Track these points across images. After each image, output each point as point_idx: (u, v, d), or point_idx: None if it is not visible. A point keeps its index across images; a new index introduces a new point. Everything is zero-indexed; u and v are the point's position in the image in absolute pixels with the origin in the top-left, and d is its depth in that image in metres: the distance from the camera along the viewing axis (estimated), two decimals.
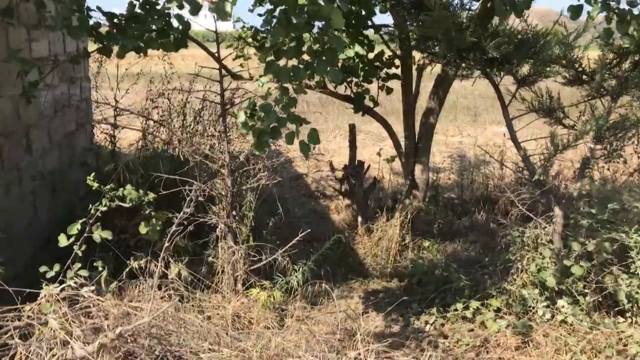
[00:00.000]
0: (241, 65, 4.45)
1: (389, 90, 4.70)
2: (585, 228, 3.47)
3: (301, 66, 2.60)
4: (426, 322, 3.98)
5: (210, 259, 3.37)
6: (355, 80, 4.51)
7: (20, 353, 2.19)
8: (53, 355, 2.09)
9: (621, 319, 3.03)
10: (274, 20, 2.69)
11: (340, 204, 5.88)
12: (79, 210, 4.08)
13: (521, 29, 3.53)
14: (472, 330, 3.79)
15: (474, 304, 3.84)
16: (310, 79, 3.12)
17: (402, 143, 5.01)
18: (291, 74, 2.62)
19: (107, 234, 2.61)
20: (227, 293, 3.23)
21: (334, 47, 2.55)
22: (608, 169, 4.10)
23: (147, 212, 2.99)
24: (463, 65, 3.48)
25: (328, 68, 2.46)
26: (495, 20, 3.66)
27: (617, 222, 3.19)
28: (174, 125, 4.51)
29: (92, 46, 4.00)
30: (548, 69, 3.42)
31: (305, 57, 2.65)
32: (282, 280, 3.17)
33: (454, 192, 6.69)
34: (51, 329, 2.17)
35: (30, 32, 4.26)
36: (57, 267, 2.46)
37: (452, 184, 7.06)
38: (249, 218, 3.35)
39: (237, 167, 3.30)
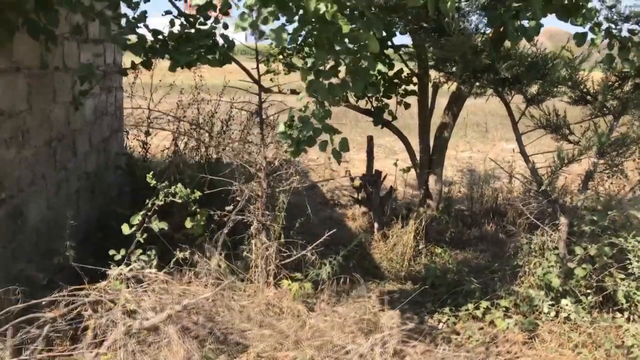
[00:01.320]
0: (271, 79, 4.84)
1: (407, 105, 5.07)
2: (588, 234, 3.79)
3: (338, 83, 2.97)
4: (439, 321, 4.27)
5: (245, 253, 3.70)
6: (376, 95, 4.88)
7: (93, 324, 2.54)
8: (124, 325, 2.44)
9: (619, 316, 3.34)
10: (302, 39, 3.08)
11: (356, 212, 6.22)
12: (115, 208, 4.46)
13: (531, 53, 3.89)
14: (481, 328, 4.07)
15: (484, 304, 4.13)
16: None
17: (417, 155, 5.37)
18: (329, 91, 2.99)
19: (164, 225, 2.97)
20: (261, 284, 3.56)
21: (368, 67, 2.92)
22: (611, 183, 4.42)
23: (193, 208, 3.35)
24: (477, 84, 3.84)
25: (364, 85, 2.82)
26: (507, 43, 4.03)
27: (617, 229, 3.50)
28: (210, 131, 4.87)
29: (127, 59, 4.42)
30: (555, 89, 3.77)
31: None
32: (313, 272, 3.50)
33: (464, 204, 7.01)
34: (120, 303, 2.52)
35: (80, 45, 4.69)
36: (122, 252, 2.83)
37: (462, 196, 7.38)
38: (281, 217, 3.70)
39: (271, 171, 3.66)
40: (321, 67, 3.09)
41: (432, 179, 5.37)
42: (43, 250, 3.72)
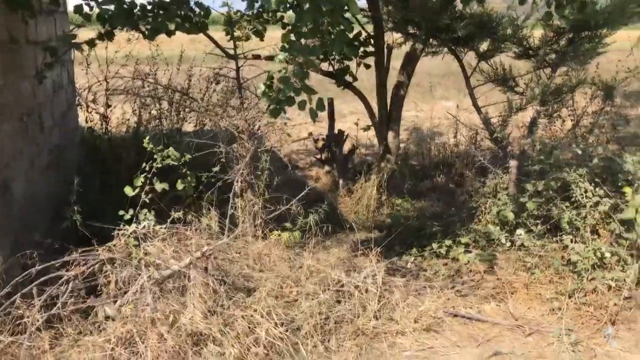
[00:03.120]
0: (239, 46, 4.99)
1: (367, 66, 5.38)
2: (536, 173, 4.31)
3: (318, 44, 3.23)
4: (406, 261, 4.72)
5: (232, 211, 3.95)
6: (336, 57, 5.16)
7: (114, 278, 2.74)
8: (147, 274, 2.66)
9: (565, 238, 3.87)
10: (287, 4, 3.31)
11: (319, 173, 6.55)
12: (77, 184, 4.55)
13: (480, 12, 4.30)
14: (446, 264, 4.53)
15: (447, 242, 4.59)
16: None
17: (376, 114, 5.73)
18: (310, 51, 3.25)
19: (165, 185, 3.17)
20: (249, 238, 3.84)
21: (344, 29, 3.20)
22: (550, 129, 4.98)
23: (183, 171, 3.56)
24: (435, 43, 4.21)
25: (343, 46, 3.11)
26: (459, 5, 4.41)
27: (561, 166, 4.03)
28: (190, 96, 4.95)
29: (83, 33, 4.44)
30: (503, 45, 4.20)
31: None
32: (301, 221, 3.81)
33: (415, 159, 7.51)
34: (138, 257, 2.73)
35: (37, 18, 4.65)
36: (131, 211, 3.02)
37: (412, 153, 7.87)
38: (264, 175, 3.97)
39: (252, 133, 3.90)
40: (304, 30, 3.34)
41: (390, 135, 5.76)
42: (25, 225, 3.81)
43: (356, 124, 5.96)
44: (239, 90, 3.75)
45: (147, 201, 3.08)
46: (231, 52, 4.17)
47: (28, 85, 4.35)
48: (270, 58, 4.18)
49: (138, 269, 2.74)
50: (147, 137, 3.33)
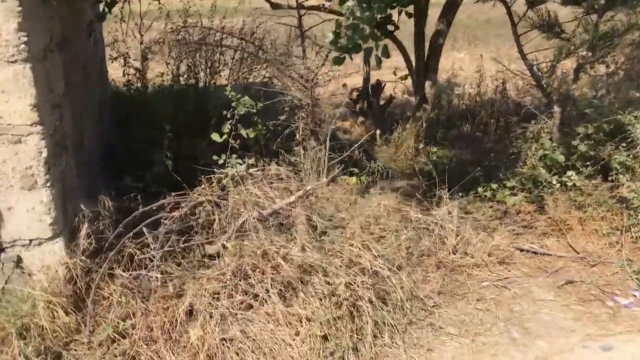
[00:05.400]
0: None
1: (410, 15, 5.41)
2: (580, 118, 4.47)
3: None
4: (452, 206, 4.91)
5: (295, 158, 4.09)
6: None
7: (217, 217, 2.90)
8: (252, 212, 2.82)
9: (620, 178, 4.06)
10: None
11: (353, 123, 6.66)
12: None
13: None
14: (491, 206, 4.73)
15: (493, 186, 4.76)
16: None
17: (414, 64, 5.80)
18: None
19: (252, 132, 3.30)
20: (315, 183, 3.99)
21: None
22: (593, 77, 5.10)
23: (254, 119, 3.67)
24: None
25: None
26: None
27: (612, 109, 4.19)
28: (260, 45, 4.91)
29: None
30: None
31: None
32: (368, 168, 3.97)
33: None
34: (242, 197, 2.88)
35: None
36: (223, 156, 3.16)
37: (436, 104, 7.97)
38: (328, 123, 4.09)
39: (315, 83, 4.00)
40: None
41: (427, 84, 5.85)
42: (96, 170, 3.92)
43: (394, 72, 6.03)
44: (301, 39, 3.81)
45: (237, 147, 3.21)
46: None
47: (81, 38, 4.38)
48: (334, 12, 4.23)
49: (238, 208, 2.90)
50: (229, 87, 3.42)
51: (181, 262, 2.88)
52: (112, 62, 6.02)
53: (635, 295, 3.16)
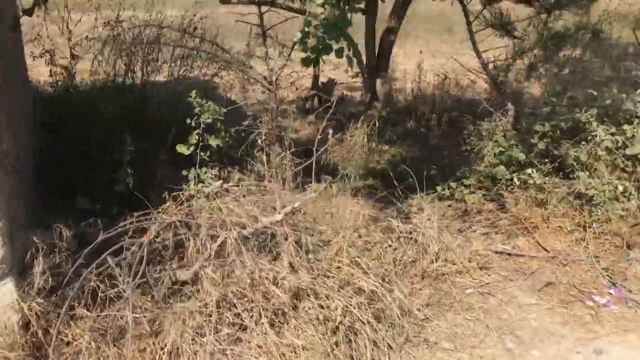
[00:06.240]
0: None
1: (364, 11, 5.29)
2: (534, 115, 4.55)
3: None
4: (410, 205, 4.85)
5: (258, 165, 3.84)
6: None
7: (192, 240, 2.61)
8: (232, 232, 2.56)
9: (580, 175, 4.17)
10: None
11: (303, 123, 6.46)
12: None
13: None
14: (450, 205, 4.70)
15: (451, 185, 4.75)
16: None
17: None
18: None
19: (218, 141, 3.01)
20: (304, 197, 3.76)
21: None
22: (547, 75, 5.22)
23: (218, 126, 3.39)
24: None
25: None
26: None
27: (570, 108, 4.29)
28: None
29: None
30: None
31: None
32: (340, 174, 3.80)
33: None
34: (220, 216, 2.60)
35: None
36: (193, 170, 2.85)
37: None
38: (293, 128, 3.87)
39: (277, 86, 3.76)
40: None
41: (379, 83, 5.78)
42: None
43: (346, 71, 5.90)
44: (263, 39, 3.56)
45: (207, 159, 2.92)
46: None
47: (5, 32, 3.86)
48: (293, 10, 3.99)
49: (214, 227, 2.63)
50: (194, 91, 3.10)
51: (153, 293, 2.57)
52: (34, 59, 5.42)
53: (610, 293, 3.23)
